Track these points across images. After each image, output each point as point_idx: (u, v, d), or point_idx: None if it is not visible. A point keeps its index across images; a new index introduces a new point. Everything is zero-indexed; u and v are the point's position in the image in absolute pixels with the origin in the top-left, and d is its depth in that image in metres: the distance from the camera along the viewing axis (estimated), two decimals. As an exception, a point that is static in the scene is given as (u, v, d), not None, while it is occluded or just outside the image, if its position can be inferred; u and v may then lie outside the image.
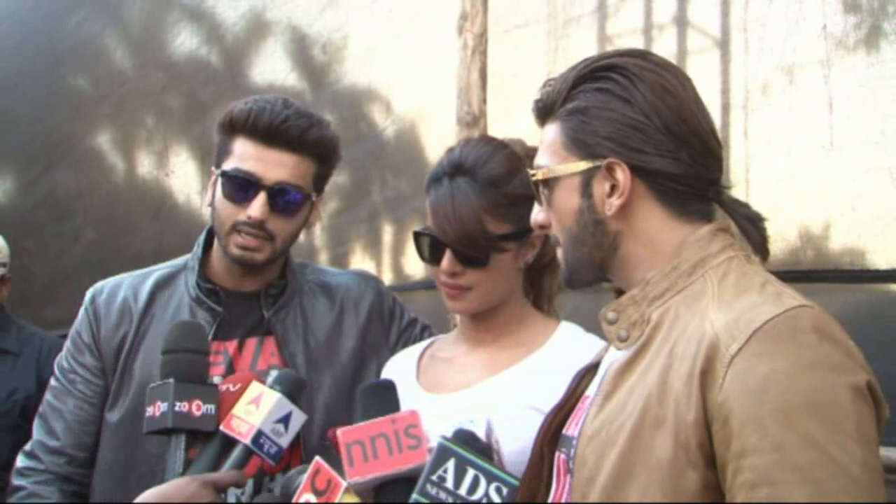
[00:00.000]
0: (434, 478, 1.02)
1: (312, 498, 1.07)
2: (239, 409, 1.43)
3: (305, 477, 1.11)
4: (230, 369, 1.70)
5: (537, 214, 1.24)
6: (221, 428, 1.42)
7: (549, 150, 1.20)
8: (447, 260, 1.49)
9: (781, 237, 2.37)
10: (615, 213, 1.15)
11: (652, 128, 1.12)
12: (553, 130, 1.20)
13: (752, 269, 1.11)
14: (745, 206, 1.19)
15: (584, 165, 1.16)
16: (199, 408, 1.41)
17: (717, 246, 1.13)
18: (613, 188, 1.14)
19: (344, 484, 1.05)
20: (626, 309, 1.14)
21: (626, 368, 1.13)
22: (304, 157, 1.68)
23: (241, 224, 1.66)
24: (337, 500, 1.02)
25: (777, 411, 0.95)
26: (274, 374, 1.56)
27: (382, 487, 1.07)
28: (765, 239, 1.16)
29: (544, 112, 1.22)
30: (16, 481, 1.70)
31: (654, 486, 1.01)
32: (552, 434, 1.25)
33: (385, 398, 1.11)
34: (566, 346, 1.52)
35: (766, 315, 1.00)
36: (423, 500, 1.02)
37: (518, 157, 1.55)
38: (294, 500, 1.09)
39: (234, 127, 1.68)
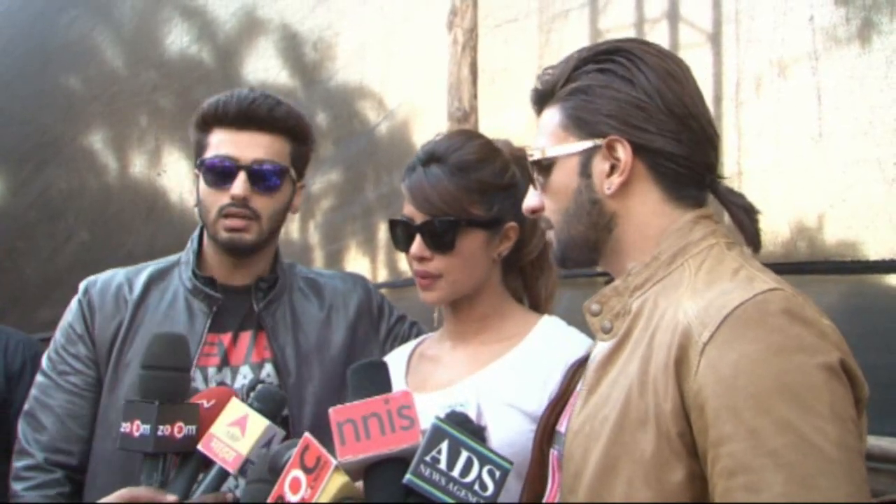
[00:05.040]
0: (428, 458, 1.02)
1: (301, 474, 1.06)
2: (219, 429, 1.36)
3: (294, 453, 1.11)
4: (225, 361, 1.72)
5: (530, 199, 1.23)
6: (201, 448, 1.37)
7: (546, 132, 1.19)
8: (416, 244, 1.51)
9: (771, 229, 2.38)
10: (615, 191, 1.14)
11: (654, 107, 1.12)
12: (551, 113, 1.19)
13: (729, 256, 1.10)
14: (741, 196, 1.18)
15: (584, 145, 1.15)
16: (180, 430, 1.36)
17: (699, 234, 1.13)
18: (613, 168, 1.14)
19: (334, 462, 1.05)
20: (610, 300, 1.14)
21: (608, 361, 1.12)
22: (277, 136, 1.74)
23: (226, 207, 1.70)
24: (326, 478, 1.02)
25: (749, 397, 0.94)
26: (254, 387, 1.54)
27: (373, 467, 1.07)
28: (758, 231, 1.15)
29: (543, 97, 1.21)
30: (13, 485, 1.69)
31: (640, 478, 1.01)
32: (549, 432, 1.25)
33: (377, 378, 1.11)
34: (546, 340, 1.53)
35: (735, 301, 0.99)
36: (417, 480, 1.02)
37: (492, 147, 1.57)
38: (283, 477, 1.09)
39: (207, 121, 1.75)
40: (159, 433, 1.35)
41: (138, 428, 1.36)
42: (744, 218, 1.15)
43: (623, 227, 1.16)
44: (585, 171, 1.15)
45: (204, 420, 1.39)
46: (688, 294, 1.05)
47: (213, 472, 1.37)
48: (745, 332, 0.97)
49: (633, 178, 1.13)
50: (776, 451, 0.92)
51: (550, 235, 1.22)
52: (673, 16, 2.71)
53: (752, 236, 1.15)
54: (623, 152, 1.12)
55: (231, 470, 1.35)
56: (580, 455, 1.09)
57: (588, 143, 1.14)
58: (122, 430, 1.38)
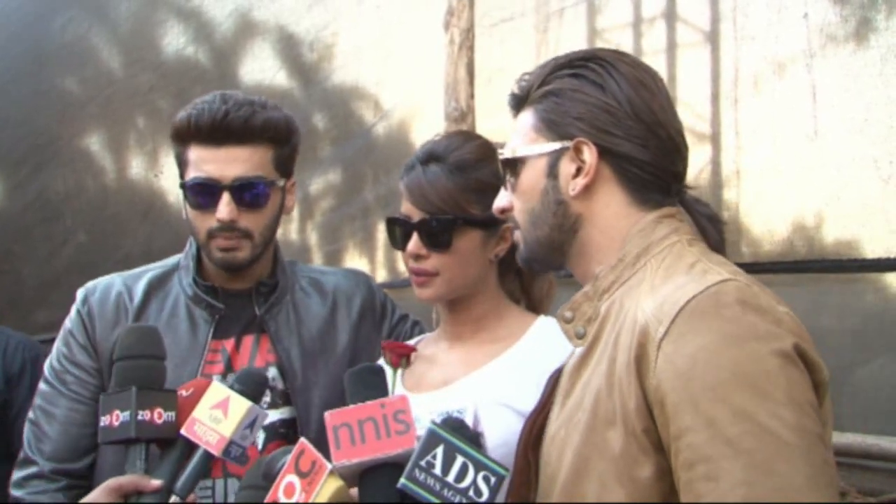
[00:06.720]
0: (422, 463, 1.02)
1: (296, 479, 1.07)
2: (202, 413, 1.35)
3: (289, 458, 1.11)
4: (229, 367, 1.70)
5: (501, 199, 1.26)
6: (183, 432, 1.35)
7: (519, 133, 1.22)
8: (413, 242, 1.52)
9: (768, 228, 2.39)
10: (578, 193, 1.16)
11: (623, 113, 1.14)
12: (526, 115, 1.22)
13: (689, 252, 1.12)
14: (706, 205, 1.21)
15: (553, 146, 1.17)
16: (160, 416, 1.34)
17: (662, 232, 1.14)
18: (579, 170, 1.16)
19: (328, 466, 1.06)
20: (581, 306, 1.16)
21: (581, 365, 1.14)
22: (257, 146, 1.65)
23: (215, 229, 1.65)
24: (321, 483, 1.03)
25: (706, 388, 0.96)
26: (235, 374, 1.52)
27: (368, 472, 1.07)
28: (723, 239, 1.18)
29: (520, 101, 1.24)
30: (13, 492, 1.67)
31: (611, 476, 1.02)
32: (534, 438, 1.25)
33: (374, 382, 1.11)
34: (542, 340, 1.53)
35: (689, 294, 1.01)
36: (411, 485, 1.02)
37: (490, 148, 1.58)
38: (277, 482, 1.09)
39: (182, 137, 1.67)
40: (139, 418, 1.33)
41: (118, 417, 1.34)
42: (707, 226, 1.18)
43: (587, 230, 1.17)
44: (553, 171, 1.17)
45: (183, 408, 1.37)
46: (646, 291, 1.07)
47: (197, 455, 1.35)
48: (699, 325, 0.99)
49: (597, 181, 1.15)
50: (733, 440, 0.93)
51: (518, 236, 1.24)
52: (670, 14, 2.70)
53: (717, 244, 1.17)
54: (589, 154, 1.14)
55: (215, 453, 1.33)
56: (555, 459, 1.11)
57: (556, 145, 1.17)
58: (101, 423, 1.36)
